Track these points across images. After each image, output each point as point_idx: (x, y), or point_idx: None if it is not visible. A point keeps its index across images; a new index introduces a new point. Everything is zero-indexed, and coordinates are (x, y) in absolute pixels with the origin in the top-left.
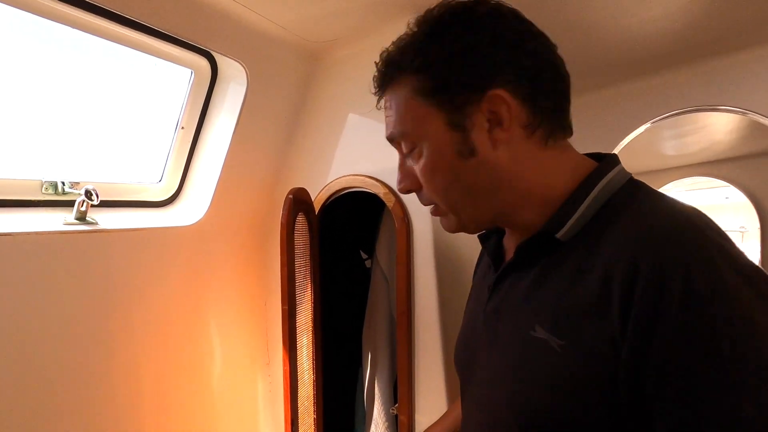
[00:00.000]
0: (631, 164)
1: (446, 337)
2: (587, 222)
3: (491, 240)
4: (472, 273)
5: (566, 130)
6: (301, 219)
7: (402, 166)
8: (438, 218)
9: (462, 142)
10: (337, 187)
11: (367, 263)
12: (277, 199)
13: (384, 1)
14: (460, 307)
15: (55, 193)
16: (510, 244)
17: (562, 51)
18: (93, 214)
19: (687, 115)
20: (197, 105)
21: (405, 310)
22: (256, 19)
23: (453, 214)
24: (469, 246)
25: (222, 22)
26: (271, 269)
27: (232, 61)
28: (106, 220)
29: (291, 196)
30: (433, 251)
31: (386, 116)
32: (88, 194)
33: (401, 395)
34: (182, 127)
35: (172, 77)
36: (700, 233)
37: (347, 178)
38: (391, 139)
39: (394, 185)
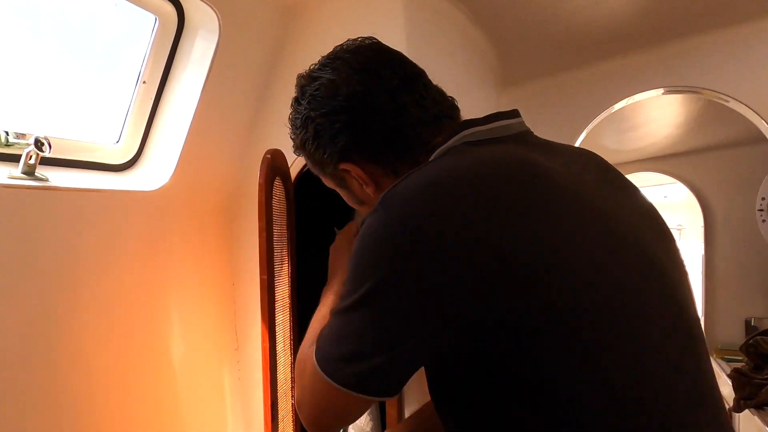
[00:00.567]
0: None
1: None
2: None
3: None
4: None
5: (420, 147)
6: (278, 184)
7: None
8: None
9: (351, 196)
10: None
11: None
12: (248, 165)
13: None
14: None
15: None
16: None
17: (529, 34)
18: (42, 171)
19: (634, 108)
20: (161, 57)
21: None
22: None
23: None
24: None
25: None
26: (243, 242)
27: (203, 4)
28: (59, 178)
29: (269, 156)
30: None
31: None
32: (38, 144)
33: None
34: (144, 82)
35: (134, 23)
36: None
37: None
38: None
39: None
